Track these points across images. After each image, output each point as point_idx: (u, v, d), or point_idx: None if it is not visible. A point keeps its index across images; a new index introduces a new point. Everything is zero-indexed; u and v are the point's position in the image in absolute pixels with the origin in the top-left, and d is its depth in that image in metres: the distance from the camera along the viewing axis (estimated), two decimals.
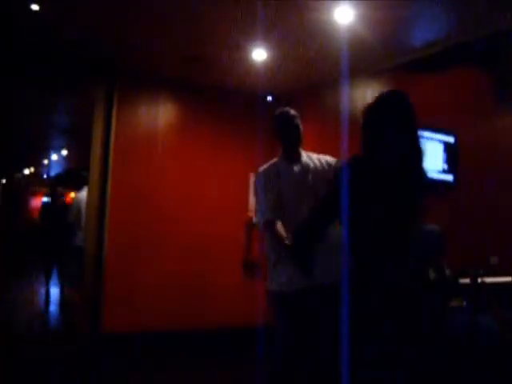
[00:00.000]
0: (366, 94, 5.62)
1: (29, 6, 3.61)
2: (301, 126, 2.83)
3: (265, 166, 2.91)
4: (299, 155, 2.84)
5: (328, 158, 2.89)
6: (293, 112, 2.84)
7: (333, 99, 5.37)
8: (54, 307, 6.69)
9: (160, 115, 5.24)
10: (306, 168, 2.80)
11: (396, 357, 1.79)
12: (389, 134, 1.93)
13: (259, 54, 4.39)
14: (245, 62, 4.56)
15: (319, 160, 2.86)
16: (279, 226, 2.57)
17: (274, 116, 2.86)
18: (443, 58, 4.93)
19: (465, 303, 3.60)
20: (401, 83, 5.82)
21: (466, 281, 3.61)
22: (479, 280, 3.51)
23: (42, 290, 7.12)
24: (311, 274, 2.18)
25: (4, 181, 14.96)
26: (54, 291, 6.86)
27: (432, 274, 3.59)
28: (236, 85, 5.26)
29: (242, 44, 4.20)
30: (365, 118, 2.01)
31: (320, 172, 2.80)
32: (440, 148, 6.07)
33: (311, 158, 2.88)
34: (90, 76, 4.99)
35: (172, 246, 5.05)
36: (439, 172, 6.03)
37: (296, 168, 2.81)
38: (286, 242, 2.42)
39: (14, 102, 6.72)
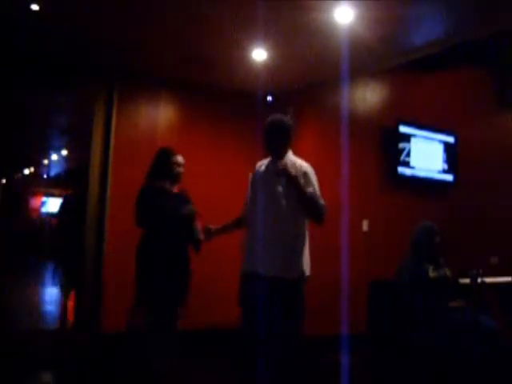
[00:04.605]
0: (365, 94, 5.64)
1: (29, 6, 3.61)
2: (283, 135, 2.87)
3: (260, 162, 3.06)
4: (281, 158, 2.86)
5: (304, 166, 2.86)
6: (278, 120, 2.89)
7: (333, 99, 5.38)
8: (53, 307, 6.68)
9: (160, 115, 5.24)
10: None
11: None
12: None
13: (259, 54, 4.39)
14: (245, 61, 4.56)
15: (300, 166, 2.85)
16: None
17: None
18: (443, 57, 4.94)
19: (465, 303, 3.61)
20: (401, 83, 5.84)
21: (466, 281, 3.61)
22: (479, 280, 3.52)
23: (42, 291, 7.02)
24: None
25: (4, 181, 14.95)
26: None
27: (432, 273, 3.60)
28: (236, 85, 5.27)
29: (241, 44, 4.20)
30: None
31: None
32: (440, 148, 6.08)
33: (294, 162, 2.86)
34: (89, 76, 4.99)
35: None
36: (439, 172, 6.03)
37: (272, 169, 2.86)
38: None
39: (14, 102, 6.72)
